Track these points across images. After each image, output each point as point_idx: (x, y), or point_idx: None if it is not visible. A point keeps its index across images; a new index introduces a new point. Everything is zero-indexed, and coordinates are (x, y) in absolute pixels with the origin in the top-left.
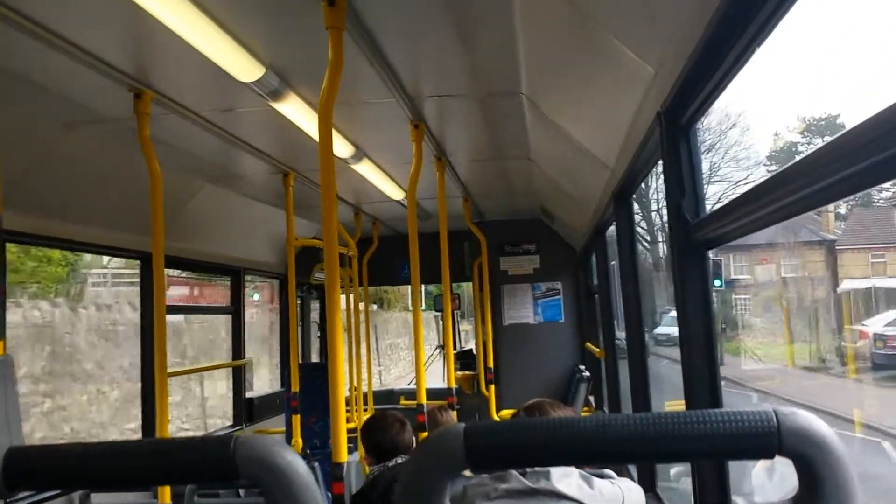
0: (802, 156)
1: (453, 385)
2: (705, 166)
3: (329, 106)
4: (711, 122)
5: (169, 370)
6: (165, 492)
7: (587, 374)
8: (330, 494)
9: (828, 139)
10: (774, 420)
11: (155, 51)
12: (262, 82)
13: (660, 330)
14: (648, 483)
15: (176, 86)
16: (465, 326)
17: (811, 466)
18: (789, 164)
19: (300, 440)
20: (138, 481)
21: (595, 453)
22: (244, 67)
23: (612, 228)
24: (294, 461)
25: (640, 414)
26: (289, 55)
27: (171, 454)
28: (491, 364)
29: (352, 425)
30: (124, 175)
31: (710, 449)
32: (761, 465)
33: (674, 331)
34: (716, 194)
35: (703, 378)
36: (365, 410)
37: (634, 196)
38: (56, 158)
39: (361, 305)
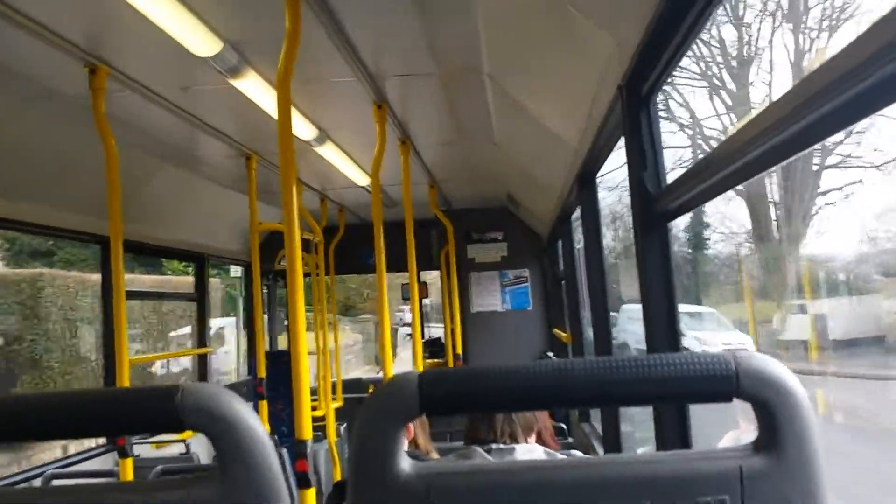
0: (754, 113)
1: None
2: None
3: (287, 79)
4: None
5: (130, 357)
6: (127, 467)
7: (555, 359)
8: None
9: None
10: (732, 363)
11: (110, 24)
12: (221, 58)
13: None
14: None
15: (132, 61)
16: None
17: (769, 409)
18: (742, 125)
19: (267, 427)
20: (83, 431)
21: (551, 398)
22: (201, 42)
23: (578, 213)
24: (241, 409)
25: (596, 358)
26: (247, 29)
27: (115, 403)
28: (459, 351)
29: (319, 413)
30: (82, 155)
31: (667, 392)
32: (728, 437)
33: None
34: None
35: (664, 341)
36: (333, 399)
37: (599, 177)
38: (9, 137)
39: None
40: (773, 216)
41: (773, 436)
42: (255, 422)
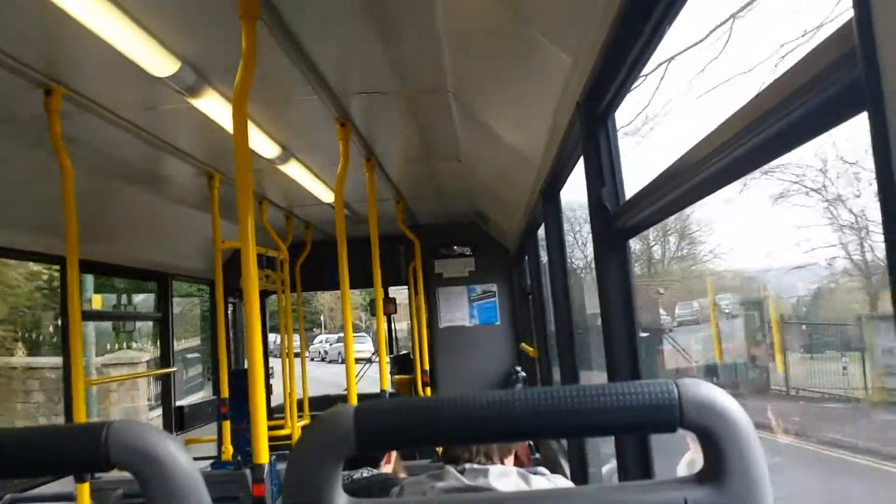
0: (711, 131)
1: (387, 388)
2: None
3: (243, 97)
4: None
5: (88, 379)
6: (84, 492)
7: (523, 374)
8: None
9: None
10: (675, 392)
11: (64, 45)
12: (178, 77)
13: None
14: (580, 479)
15: (88, 82)
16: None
17: (714, 438)
18: (700, 140)
19: (230, 447)
20: (5, 472)
21: (491, 431)
22: (158, 62)
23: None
24: (173, 449)
25: (537, 389)
26: (204, 48)
27: (38, 443)
28: (427, 367)
29: (285, 432)
30: (41, 176)
31: (609, 423)
32: (685, 460)
33: None
34: None
35: (624, 357)
36: (300, 417)
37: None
38: None
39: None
40: None
41: (718, 466)
42: (184, 461)
